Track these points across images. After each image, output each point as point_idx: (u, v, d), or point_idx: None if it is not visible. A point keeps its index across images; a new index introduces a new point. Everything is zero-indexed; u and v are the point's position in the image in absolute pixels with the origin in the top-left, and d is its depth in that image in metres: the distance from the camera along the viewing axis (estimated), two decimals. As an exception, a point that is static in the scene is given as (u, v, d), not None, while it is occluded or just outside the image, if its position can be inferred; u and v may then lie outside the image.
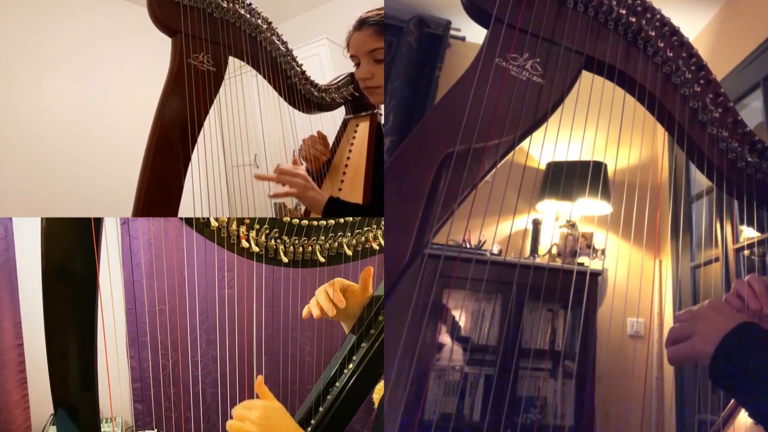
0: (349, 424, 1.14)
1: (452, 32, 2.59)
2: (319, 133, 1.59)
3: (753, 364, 0.70)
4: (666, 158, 2.49)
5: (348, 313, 1.16)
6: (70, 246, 0.90)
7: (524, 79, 0.88)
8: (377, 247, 1.15)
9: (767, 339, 0.72)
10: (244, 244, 1.05)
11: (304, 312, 1.14)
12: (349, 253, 1.13)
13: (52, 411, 0.93)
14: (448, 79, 2.52)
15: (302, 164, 1.61)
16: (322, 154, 1.59)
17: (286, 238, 1.08)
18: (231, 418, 0.97)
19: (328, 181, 1.57)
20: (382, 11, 1.33)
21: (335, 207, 1.29)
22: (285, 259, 1.08)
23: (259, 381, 0.99)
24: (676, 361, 0.77)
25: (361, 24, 1.34)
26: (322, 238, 1.11)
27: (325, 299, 1.11)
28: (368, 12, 1.34)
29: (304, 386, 2.28)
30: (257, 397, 0.99)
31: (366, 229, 1.14)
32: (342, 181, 1.53)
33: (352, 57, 1.39)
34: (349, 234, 1.13)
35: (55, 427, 0.99)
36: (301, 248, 1.09)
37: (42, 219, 0.88)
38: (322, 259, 1.11)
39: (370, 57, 1.34)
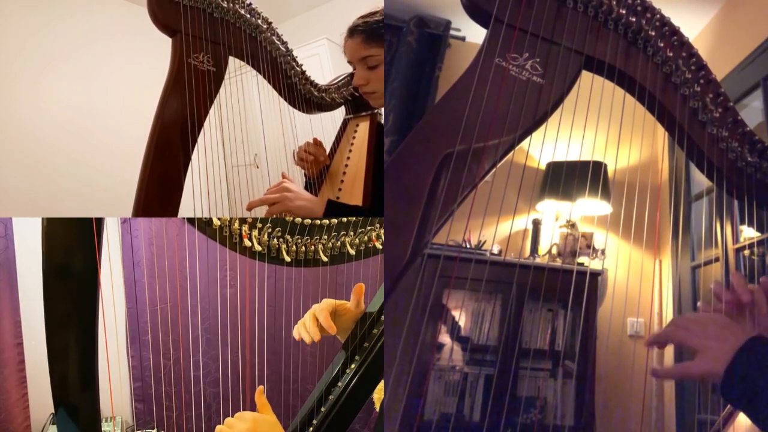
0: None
1: (452, 32, 2.59)
2: (315, 140, 1.59)
3: (764, 381, 0.68)
4: (666, 158, 2.49)
5: (340, 327, 1.15)
6: (71, 245, 0.90)
7: (524, 78, 0.88)
8: (380, 247, 1.15)
9: None
10: (246, 243, 1.04)
11: (295, 334, 1.13)
12: (352, 252, 1.13)
13: (52, 410, 0.93)
14: (448, 79, 2.52)
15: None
16: (322, 157, 1.59)
17: (288, 237, 1.08)
18: (230, 416, 0.97)
19: (328, 182, 1.57)
20: (370, 18, 1.34)
21: (334, 211, 1.29)
22: (287, 258, 1.08)
23: (259, 391, 1.00)
24: (683, 377, 0.76)
25: (351, 32, 1.35)
26: (325, 237, 1.11)
27: (312, 324, 1.09)
28: (358, 19, 1.35)
29: (305, 386, 2.28)
30: (255, 407, 1.00)
31: (369, 228, 1.14)
32: (342, 181, 1.53)
33: (349, 62, 1.40)
34: (352, 233, 1.13)
35: (55, 427, 0.98)
36: (303, 247, 1.09)
37: (43, 219, 0.88)
38: (325, 259, 1.11)
39: (363, 64, 1.36)
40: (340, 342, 1.18)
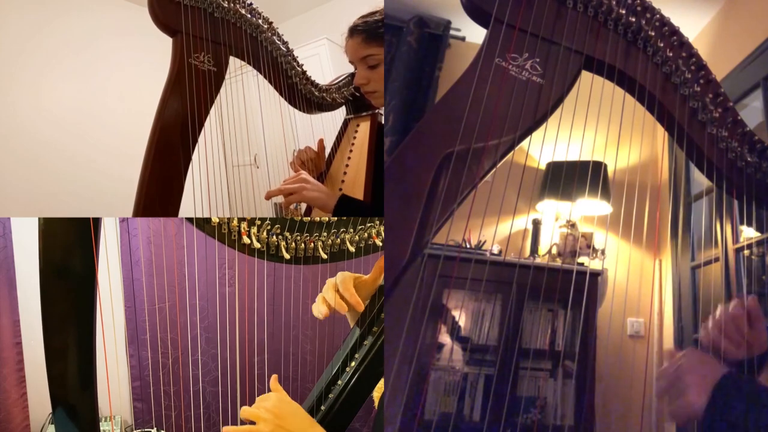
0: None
1: (452, 32, 2.59)
2: (319, 143, 1.59)
3: (740, 419, 0.70)
4: (666, 158, 2.49)
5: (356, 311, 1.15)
6: (68, 245, 0.90)
7: (524, 79, 0.88)
8: (380, 244, 1.15)
9: (752, 392, 0.72)
10: (245, 240, 1.04)
11: (315, 312, 1.12)
12: (352, 249, 1.13)
13: (51, 410, 0.93)
14: (448, 79, 2.52)
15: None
16: (321, 165, 1.59)
17: (287, 234, 1.08)
18: (230, 419, 0.99)
19: (329, 182, 1.57)
20: (370, 18, 1.35)
21: (346, 205, 1.30)
22: (287, 256, 1.08)
23: (273, 379, 1.04)
24: (682, 421, 0.77)
25: (351, 32, 1.37)
26: (324, 234, 1.10)
27: (334, 297, 1.08)
28: (358, 19, 1.36)
29: (305, 385, 2.28)
30: None
31: (369, 225, 1.14)
32: (343, 181, 1.53)
33: (351, 62, 1.41)
34: (351, 230, 1.13)
35: (53, 426, 0.98)
36: (303, 245, 1.09)
37: (40, 219, 0.88)
38: (324, 256, 1.11)
39: (363, 63, 1.37)
40: (339, 339, 1.18)
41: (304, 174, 1.34)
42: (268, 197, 1.32)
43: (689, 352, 0.82)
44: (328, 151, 1.65)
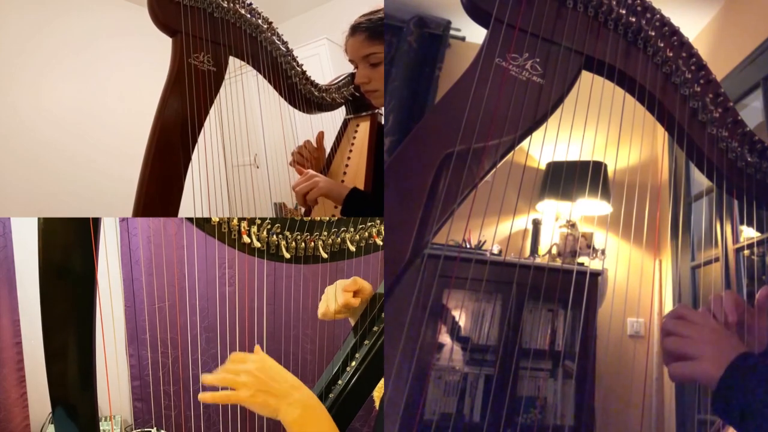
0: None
1: (452, 32, 2.59)
2: (319, 136, 1.59)
3: (753, 396, 0.69)
4: (666, 158, 2.49)
5: (357, 310, 1.17)
6: (68, 245, 0.90)
7: (524, 79, 0.88)
8: (381, 243, 1.15)
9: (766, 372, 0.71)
10: (246, 239, 1.04)
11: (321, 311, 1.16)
12: (352, 248, 1.13)
13: (51, 410, 0.93)
14: (448, 79, 2.52)
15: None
16: (322, 161, 1.60)
17: (288, 233, 1.08)
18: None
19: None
20: (373, 16, 1.36)
21: (356, 194, 1.31)
22: (287, 255, 1.08)
23: (256, 349, 0.97)
24: (679, 379, 0.77)
25: (354, 30, 1.36)
26: (325, 233, 1.11)
27: (335, 301, 1.12)
28: (360, 17, 1.36)
29: (305, 384, 2.28)
30: None
31: (369, 224, 1.14)
32: (342, 181, 1.53)
33: (351, 61, 1.41)
34: (352, 229, 1.13)
35: (53, 426, 0.99)
36: (303, 244, 1.09)
37: (39, 219, 0.88)
38: (325, 255, 1.11)
39: (365, 62, 1.37)
40: (340, 339, 1.19)
41: (311, 171, 1.36)
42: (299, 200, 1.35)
43: (711, 323, 0.80)
44: (327, 150, 1.65)
